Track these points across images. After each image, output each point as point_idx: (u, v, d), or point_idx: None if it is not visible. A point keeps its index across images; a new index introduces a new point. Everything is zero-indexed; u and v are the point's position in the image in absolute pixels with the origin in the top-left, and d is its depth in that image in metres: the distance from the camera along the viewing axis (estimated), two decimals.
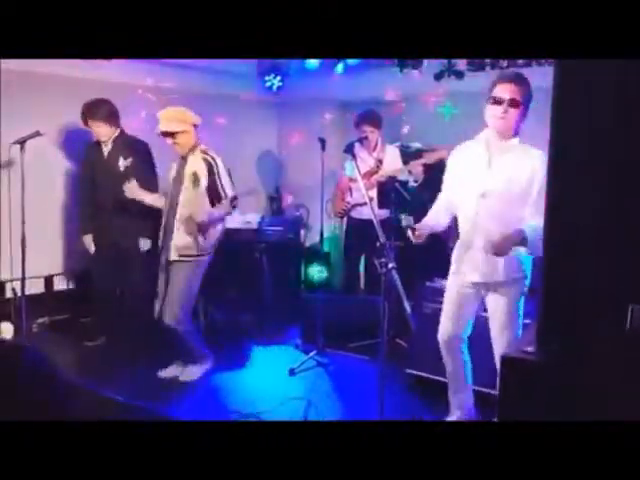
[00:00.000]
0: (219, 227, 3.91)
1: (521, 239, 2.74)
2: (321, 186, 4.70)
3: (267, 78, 6.01)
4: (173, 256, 3.78)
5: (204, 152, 3.78)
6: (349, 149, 2.96)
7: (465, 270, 3.07)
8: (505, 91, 2.78)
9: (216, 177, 3.74)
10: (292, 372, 4.22)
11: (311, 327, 4.64)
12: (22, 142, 4.13)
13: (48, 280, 5.03)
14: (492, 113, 2.84)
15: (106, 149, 4.41)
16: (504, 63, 5.31)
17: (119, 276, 4.49)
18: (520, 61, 5.23)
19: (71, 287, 5.16)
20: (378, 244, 2.64)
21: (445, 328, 3.20)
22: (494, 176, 2.89)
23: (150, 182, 4.34)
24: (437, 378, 3.58)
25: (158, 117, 3.75)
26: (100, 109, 4.30)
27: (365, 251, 5.14)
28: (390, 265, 2.59)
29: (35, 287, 4.84)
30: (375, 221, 2.78)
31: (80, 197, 4.69)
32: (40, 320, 4.86)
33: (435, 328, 3.28)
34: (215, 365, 4.13)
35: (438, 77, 5.62)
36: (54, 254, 5.03)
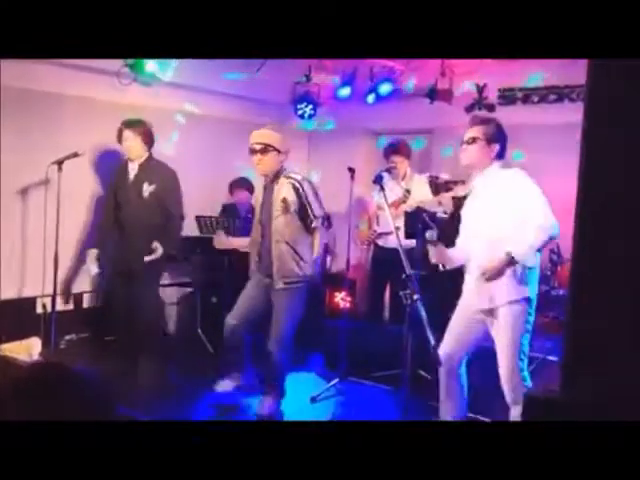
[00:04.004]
0: (322, 250, 3.90)
1: (509, 259, 2.99)
2: (349, 214, 4.73)
3: (299, 106, 6.10)
4: (278, 284, 3.76)
5: (288, 177, 3.78)
6: (378, 180, 2.99)
7: (467, 296, 3.22)
8: (465, 134, 3.23)
9: (304, 200, 3.74)
10: (314, 400, 4.21)
11: (334, 355, 4.63)
12: (60, 162, 4.25)
13: (78, 297, 5.12)
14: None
15: (132, 172, 4.43)
16: (535, 98, 5.33)
17: (131, 297, 4.47)
18: (551, 97, 5.25)
19: (99, 305, 5.23)
20: (404, 275, 2.65)
21: (444, 349, 3.22)
22: (482, 203, 3.17)
23: (172, 209, 4.41)
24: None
25: (252, 135, 3.78)
26: (139, 124, 4.39)
27: (390, 280, 5.13)
28: (415, 297, 2.60)
29: (64, 304, 4.93)
30: (401, 251, 2.79)
31: (100, 216, 4.72)
32: (68, 337, 4.93)
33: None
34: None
35: (469, 109, 5.66)
36: (84, 272, 5.12)
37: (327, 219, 3.85)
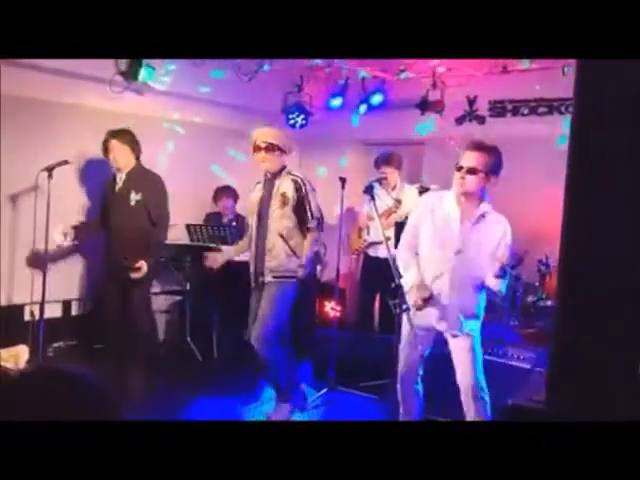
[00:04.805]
0: (313, 250, 3.89)
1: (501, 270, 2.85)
2: (339, 224, 4.75)
3: (291, 116, 6.11)
4: (267, 278, 3.77)
5: (291, 173, 3.83)
6: (369, 190, 3.01)
7: (428, 314, 3.12)
8: (466, 159, 3.02)
9: (304, 198, 3.77)
10: (302, 409, 4.20)
11: (324, 364, 4.63)
12: (50, 169, 4.24)
13: (66, 305, 5.09)
14: (454, 177, 3.07)
15: (120, 181, 4.43)
16: (525, 110, 5.38)
17: (124, 305, 4.44)
18: (541, 109, 5.31)
19: (87, 312, 5.21)
20: (393, 285, 2.67)
21: (401, 366, 3.22)
22: (468, 236, 3.05)
23: (159, 216, 4.41)
24: (445, 421, 3.53)
25: (255, 133, 3.81)
26: (125, 134, 4.39)
27: (380, 290, 5.15)
28: (404, 306, 2.61)
29: (53, 311, 4.90)
30: (391, 261, 2.81)
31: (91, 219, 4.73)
32: (56, 344, 4.90)
33: (446, 371, 3.29)
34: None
35: (459, 121, 5.70)
36: (73, 279, 5.10)
37: (321, 221, 3.86)
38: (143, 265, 4.24)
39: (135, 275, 4.24)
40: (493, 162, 3.01)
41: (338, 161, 6.33)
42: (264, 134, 3.80)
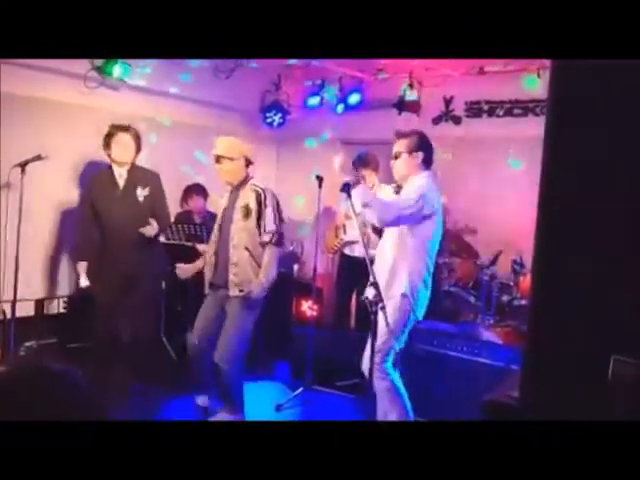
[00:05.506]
0: (274, 271, 3.80)
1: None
2: (316, 223, 4.75)
3: (268, 115, 6.11)
4: (233, 292, 3.71)
5: (254, 185, 3.80)
6: (345, 189, 3.02)
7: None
8: (394, 147, 3.47)
9: (262, 208, 3.73)
10: (279, 408, 4.20)
11: (300, 363, 4.63)
12: (23, 165, 4.15)
13: (39, 303, 5.01)
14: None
15: (121, 178, 4.30)
16: (500, 112, 5.44)
17: (123, 306, 4.35)
18: (516, 111, 5.37)
19: (62, 311, 5.13)
20: (369, 283, 2.68)
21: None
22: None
23: (163, 213, 4.41)
24: (423, 420, 3.56)
25: (215, 142, 3.83)
26: (131, 129, 4.32)
27: (357, 288, 5.16)
28: (380, 304, 2.62)
29: (25, 310, 4.81)
30: (367, 260, 2.82)
31: (83, 224, 4.50)
32: (28, 344, 4.80)
33: (425, 369, 3.31)
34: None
35: (436, 121, 5.74)
36: (46, 277, 5.02)
37: (279, 236, 3.78)
38: (153, 223, 4.27)
39: (149, 233, 4.24)
40: (413, 142, 3.42)
41: (315, 160, 6.32)
42: (217, 145, 3.79)
